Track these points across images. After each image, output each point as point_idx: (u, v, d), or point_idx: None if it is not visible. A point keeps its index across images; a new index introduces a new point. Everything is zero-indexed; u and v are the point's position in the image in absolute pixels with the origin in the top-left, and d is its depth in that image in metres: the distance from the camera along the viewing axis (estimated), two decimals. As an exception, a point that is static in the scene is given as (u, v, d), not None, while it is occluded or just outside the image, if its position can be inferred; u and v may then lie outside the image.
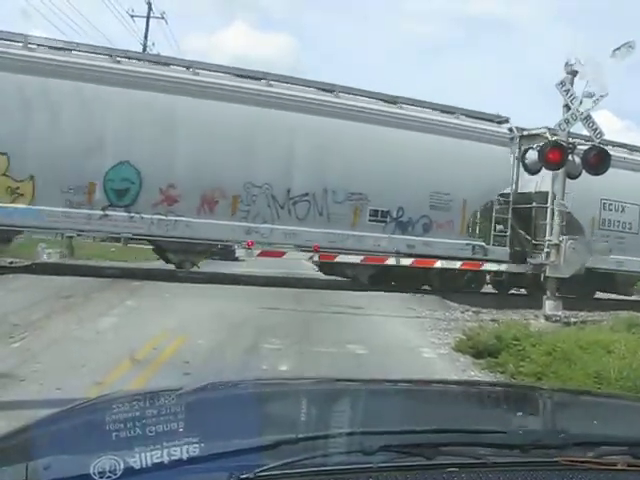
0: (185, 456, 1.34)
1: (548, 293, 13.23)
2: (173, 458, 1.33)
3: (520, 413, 1.88)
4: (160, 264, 19.06)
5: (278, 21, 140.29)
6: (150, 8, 33.63)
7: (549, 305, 12.97)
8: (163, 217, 14.25)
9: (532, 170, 13.42)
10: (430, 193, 15.96)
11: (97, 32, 50.75)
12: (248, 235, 14.77)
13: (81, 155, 13.49)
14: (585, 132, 13.14)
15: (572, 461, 1.33)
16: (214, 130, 14.34)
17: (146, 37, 33.52)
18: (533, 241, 16.03)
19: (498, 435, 1.50)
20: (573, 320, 12.71)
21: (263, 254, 15.27)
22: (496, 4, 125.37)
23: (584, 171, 12.84)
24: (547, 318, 12.63)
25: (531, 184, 16.23)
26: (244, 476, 1.25)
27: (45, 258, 13.76)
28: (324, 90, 15.63)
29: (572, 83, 12.84)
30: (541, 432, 1.60)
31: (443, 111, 16.60)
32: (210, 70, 14.95)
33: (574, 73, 12.76)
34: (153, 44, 34.19)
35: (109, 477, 1.27)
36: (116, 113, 13.73)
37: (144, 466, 1.31)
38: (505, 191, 16.66)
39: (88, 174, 13.74)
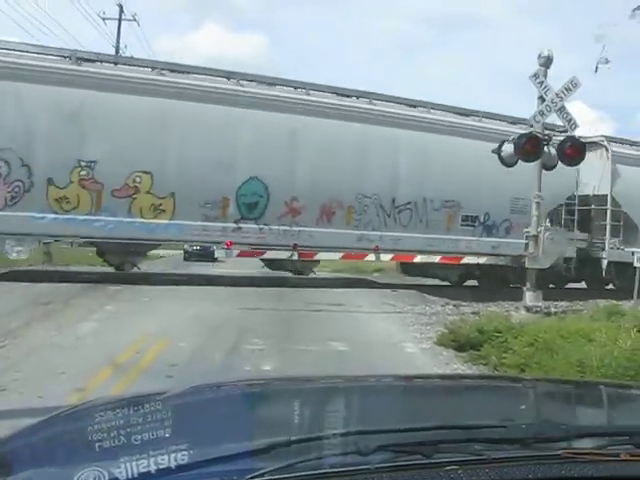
0: (173, 464, 1.28)
1: (528, 284, 13.26)
2: (160, 467, 1.27)
3: (516, 406, 1.84)
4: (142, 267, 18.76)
5: (251, 21, 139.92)
6: (122, 10, 33.28)
7: (529, 296, 12.97)
8: (288, 228, 15.22)
9: (508, 163, 13.42)
10: (510, 198, 17.22)
11: (68, 35, 49.95)
12: (360, 242, 15.97)
13: (216, 172, 14.40)
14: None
15: (574, 453, 1.29)
16: (330, 146, 15.35)
17: (118, 40, 33.18)
18: (592, 240, 18.11)
19: (497, 430, 1.46)
20: (554, 310, 12.75)
21: (242, 254, 15.24)
22: (473, 2, 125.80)
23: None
24: (528, 309, 12.64)
25: (588, 188, 18.16)
26: None
27: (15, 256, 13.54)
28: (409, 105, 16.76)
29: (545, 75, 12.90)
30: (540, 425, 1.56)
31: (510, 122, 17.68)
32: (316, 90, 15.88)
33: (547, 65, 12.83)
34: (125, 46, 33.83)
35: None
36: (245, 133, 14.69)
37: (130, 477, 1.24)
38: (570, 195, 18.31)
39: (222, 190, 14.74)
